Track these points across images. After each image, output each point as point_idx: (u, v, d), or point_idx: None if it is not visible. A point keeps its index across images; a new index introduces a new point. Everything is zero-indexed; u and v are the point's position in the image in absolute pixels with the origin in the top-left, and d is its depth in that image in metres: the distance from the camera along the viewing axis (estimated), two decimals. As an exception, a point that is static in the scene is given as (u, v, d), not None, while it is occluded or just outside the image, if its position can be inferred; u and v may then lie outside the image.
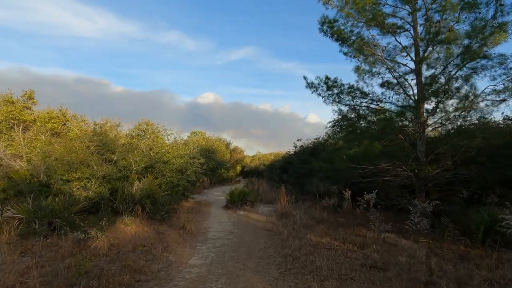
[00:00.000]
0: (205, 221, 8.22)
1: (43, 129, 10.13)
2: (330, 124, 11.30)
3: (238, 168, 31.67)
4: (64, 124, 11.44)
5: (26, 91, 11.20)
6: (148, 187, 8.38)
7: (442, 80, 6.18)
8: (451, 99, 5.75)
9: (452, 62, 5.45)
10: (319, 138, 14.41)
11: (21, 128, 10.11)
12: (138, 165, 9.39)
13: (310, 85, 8.34)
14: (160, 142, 10.87)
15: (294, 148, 16.07)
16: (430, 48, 5.82)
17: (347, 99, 7.92)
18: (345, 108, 8.05)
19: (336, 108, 8.30)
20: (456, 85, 5.98)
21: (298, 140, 15.71)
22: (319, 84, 8.15)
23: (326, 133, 14.21)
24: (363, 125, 7.59)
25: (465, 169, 5.31)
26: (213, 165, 21.28)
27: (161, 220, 7.21)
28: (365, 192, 7.68)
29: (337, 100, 7.96)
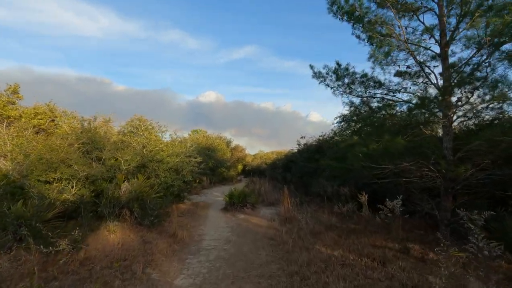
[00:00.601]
0: (201, 226, 7.42)
1: (27, 125, 9.36)
2: (337, 119, 10.45)
3: (239, 167, 30.87)
4: (53, 120, 10.69)
5: (10, 85, 10.45)
6: (137, 188, 7.59)
7: (473, 65, 5.30)
8: (486, 87, 4.87)
9: (495, 40, 4.55)
10: (324, 135, 13.56)
11: (5, 124, 9.35)
12: (129, 164, 8.60)
13: (317, 75, 7.48)
14: (153, 139, 10.08)
15: (298, 146, 15.24)
16: (463, 25, 4.94)
17: (359, 89, 7.06)
18: (357, 100, 7.20)
19: (346, 100, 7.44)
20: (490, 72, 5.09)
21: (301, 137, 14.88)
22: (327, 74, 7.29)
23: (332, 130, 13.36)
24: (379, 117, 6.72)
25: (506, 169, 4.44)
26: (213, 164, 20.51)
27: (150, 226, 6.42)
28: (379, 195, 6.85)
29: (347, 91, 7.10)
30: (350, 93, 7.11)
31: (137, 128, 10.15)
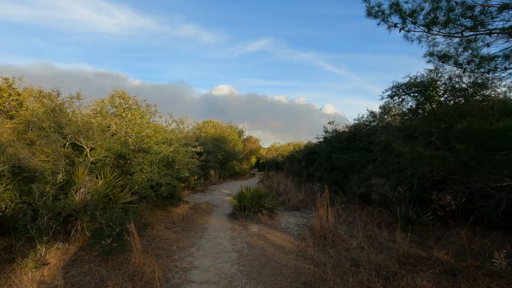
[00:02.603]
0: (192, 248, 4.84)
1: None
2: (388, 93, 7.53)
3: (253, 159, 28.27)
4: (16, 100, 8.41)
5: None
6: (102, 190, 5.11)
7: None
8: None
9: None
10: (362, 118, 10.62)
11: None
12: (98, 155, 6.14)
13: (373, 13, 4.66)
14: (138, 122, 7.57)
15: (325, 133, 12.34)
16: None
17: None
18: (454, 42, 4.30)
19: (427, 48, 4.56)
20: None
21: (329, 123, 11.95)
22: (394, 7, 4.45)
23: (371, 112, 10.39)
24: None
25: None
26: (222, 156, 18.01)
27: (105, 253, 3.89)
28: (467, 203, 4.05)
29: (435, 29, 4.22)
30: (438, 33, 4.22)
31: (117, 107, 7.67)
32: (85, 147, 6.01)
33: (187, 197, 10.21)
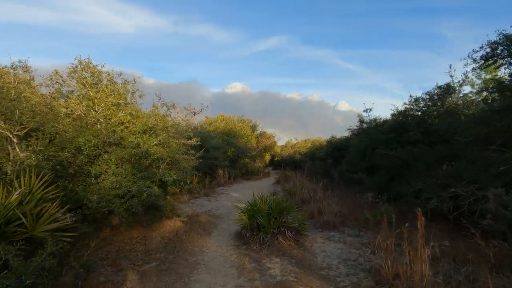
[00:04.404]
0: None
1: None
2: (479, 54, 4.89)
3: (267, 157, 25.90)
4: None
5: None
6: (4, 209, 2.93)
7: None
8: None
9: None
10: (413, 101, 8.01)
11: None
12: (28, 146, 3.99)
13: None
14: (110, 102, 5.37)
15: (359, 123, 9.75)
16: None
17: None
18: None
19: None
20: None
21: (365, 110, 9.35)
22: None
23: (428, 93, 7.73)
24: None
25: None
26: (233, 153, 15.75)
27: None
28: None
29: None
30: None
31: (83, 83, 5.48)
32: (8, 134, 3.84)
33: (184, 204, 8.00)
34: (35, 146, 3.97)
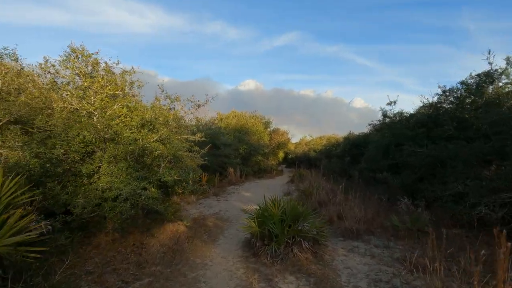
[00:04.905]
0: None
1: None
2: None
3: (280, 154, 25.13)
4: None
5: None
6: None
7: None
8: None
9: None
10: (455, 89, 7.05)
11: None
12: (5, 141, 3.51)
13: None
14: (105, 93, 4.84)
15: (382, 117, 8.84)
16: None
17: None
18: None
19: None
20: None
21: (389, 103, 8.43)
22: None
23: (463, 82, 6.77)
24: None
25: None
26: (245, 151, 15.14)
27: None
28: None
29: None
30: None
31: (77, 73, 5.00)
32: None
33: (191, 205, 7.46)
34: (13, 141, 3.48)
